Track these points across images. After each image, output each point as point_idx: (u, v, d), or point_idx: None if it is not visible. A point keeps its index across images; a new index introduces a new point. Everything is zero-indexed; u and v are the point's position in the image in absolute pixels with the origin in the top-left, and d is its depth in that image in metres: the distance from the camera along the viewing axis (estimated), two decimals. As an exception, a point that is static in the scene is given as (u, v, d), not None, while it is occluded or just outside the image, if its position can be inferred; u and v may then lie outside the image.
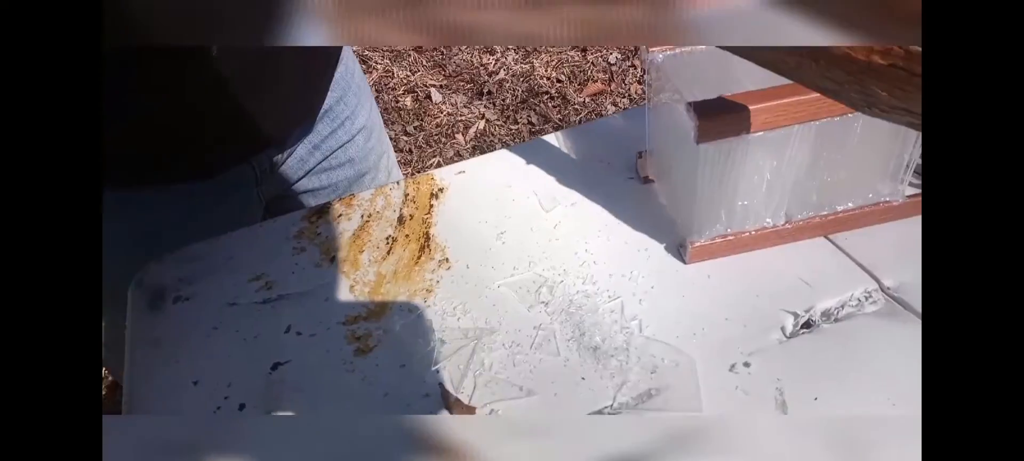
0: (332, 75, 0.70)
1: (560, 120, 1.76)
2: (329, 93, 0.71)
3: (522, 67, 1.98)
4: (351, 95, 0.74)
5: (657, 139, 0.61)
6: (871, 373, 0.46)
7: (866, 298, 0.50)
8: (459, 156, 1.71)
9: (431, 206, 0.64)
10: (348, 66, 0.73)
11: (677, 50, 0.57)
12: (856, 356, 0.47)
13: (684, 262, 0.55)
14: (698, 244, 0.54)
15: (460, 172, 0.67)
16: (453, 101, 1.90)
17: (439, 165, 1.69)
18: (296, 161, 0.71)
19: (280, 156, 0.69)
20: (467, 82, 1.97)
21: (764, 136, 0.49)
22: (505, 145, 1.72)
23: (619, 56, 1.98)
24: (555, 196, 0.63)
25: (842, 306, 0.50)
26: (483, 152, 1.72)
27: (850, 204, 0.54)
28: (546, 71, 1.95)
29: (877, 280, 0.51)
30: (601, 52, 2.01)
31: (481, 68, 2.01)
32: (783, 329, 0.49)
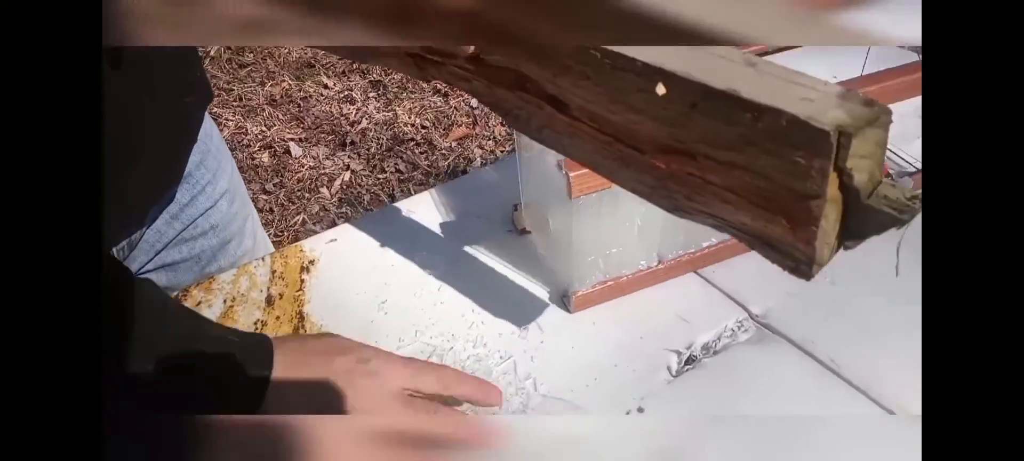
0: (195, 140, 0.65)
1: (429, 166, 1.75)
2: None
3: (384, 115, 1.96)
4: (211, 158, 0.68)
5: (530, 192, 0.62)
6: (754, 401, 0.48)
7: (738, 328, 0.53)
8: (325, 211, 1.65)
9: (302, 281, 0.60)
10: (206, 127, 0.67)
11: (542, 105, 0.58)
12: (738, 386, 0.49)
13: (569, 312, 0.56)
14: (581, 293, 0.55)
15: (331, 240, 0.64)
16: (314, 154, 1.84)
17: (304, 222, 1.62)
18: (153, 234, 0.64)
19: (138, 233, 0.62)
20: (328, 133, 1.92)
21: (632, 185, 0.51)
22: (374, 196, 1.68)
23: (480, 98, 2.02)
24: (436, 257, 0.62)
25: (719, 338, 0.52)
26: (351, 206, 1.67)
27: (714, 239, 0.58)
28: (409, 118, 1.94)
29: (745, 309, 0.54)
30: (464, 97, 2.04)
31: (342, 118, 1.96)
32: (669, 368, 0.51)
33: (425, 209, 0.67)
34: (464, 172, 1.73)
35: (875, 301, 0.53)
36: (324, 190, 1.71)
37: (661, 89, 0.29)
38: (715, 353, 0.52)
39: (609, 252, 0.55)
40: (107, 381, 0.40)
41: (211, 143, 0.68)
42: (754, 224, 0.29)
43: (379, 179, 1.74)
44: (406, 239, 0.63)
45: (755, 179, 0.28)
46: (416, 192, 1.68)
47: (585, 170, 0.48)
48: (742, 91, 0.28)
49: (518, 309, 0.56)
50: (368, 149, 1.83)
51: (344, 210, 1.64)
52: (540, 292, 0.58)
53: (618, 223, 0.53)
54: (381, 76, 2.13)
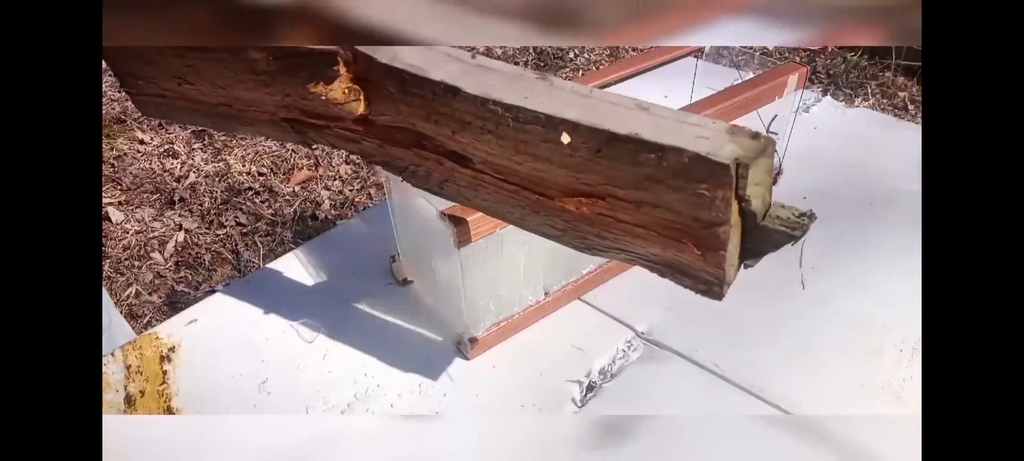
0: None
1: (273, 214, 1.64)
2: None
3: (215, 166, 1.81)
4: None
5: (407, 241, 0.60)
6: (657, 418, 0.50)
7: (628, 348, 0.55)
8: (161, 278, 1.49)
9: (165, 373, 0.54)
10: None
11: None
12: (636, 406, 0.51)
13: (466, 359, 0.55)
14: (477, 338, 0.54)
15: (191, 321, 0.58)
16: (138, 217, 1.65)
17: (138, 294, 1.45)
18: None
19: None
20: (151, 192, 1.74)
21: (513, 227, 0.51)
22: (216, 255, 1.55)
23: (320, 138, 1.94)
24: (315, 322, 0.58)
25: (613, 361, 0.54)
26: (191, 268, 1.52)
27: (592, 266, 0.60)
28: (244, 166, 1.82)
29: (631, 328, 0.57)
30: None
31: (165, 174, 1.79)
32: (574, 400, 0.51)
33: (293, 271, 0.63)
34: (313, 217, 1.65)
35: (745, 307, 0.58)
36: (156, 254, 1.55)
37: (566, 138, 0.30)
38: (612, 376, 0.53)
39: (499, 293, 0.55)
40: None
41: None
42: (664, 254, 0.31)
43: (218, 235, 1.60)
44: (277, 307, 0.59)
45: (663, 213, 0.30)
46: (265, 244, 1.57)
47: (471, 218, 0.48)
48: (644, 134, 0.30)
49: (414, 364, 0.54)
50: (201, 204, 1.69)
51: (183, 274, 1.49)
52: (433, 342, 0.56)
53: (504, 263, 0.53)
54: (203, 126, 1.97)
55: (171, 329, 0.57)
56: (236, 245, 1.58)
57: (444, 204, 0.49)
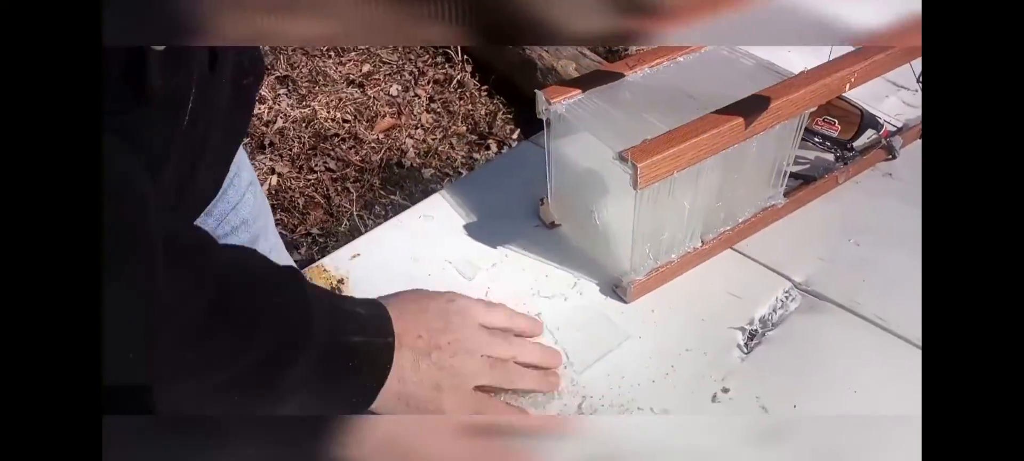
0: (250, 122, 0.60)
1: (360, 161, 1.68)
2: None
3: (301, 112, 1.85)
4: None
5: (560, 184, 0.61)
6: (822, 369, 0.50)
7: (788, 298, 0.55)
8: (256, 220, 1.54)
9: (336, 303, 0.56)
10: None
11: (574, 96, 0.57)
12: (804, 355, 0.51)
13: (625, 302, 0.55)
14: (637, 282, 0.55)
15: (355, 256, 0.60)
16: (231, 159, 1.71)
17: (237, 234, 1.51)
18: None
19: None
20: (242, 136, 1.79)
21: (686, 172, 0.51)
22: (309, 198, 1.59)
23: (399, 87, 1.96)
24: (471, 260, 0.59)
25: (774, 311, 0.54)
26: (285, 211, 1.57)
27: (747, 213, 0.60)
28: (329, 112, 1.85)
29: (789, 279, 0.57)
30: (381, 86, 1.96)
31: (254, 119, 1.84)
32: (739, 346, 0.52)
33: (441, 212, 0.65)
34: (400, 164, 1.68)
35: (899, 257, 0.57)
36: (251, 197, 1.60)
37: None
38: (774, 325, 0.53)
39: (660, 238, 0.55)
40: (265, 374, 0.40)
41: None
42: None
43: (309, 180, 1.64)
44: (434, 246, 0.61)
45: None
46: (355, 190, 1.61)
47: (650, 160, 0.48)
48: None
49: (572, 305, 0.55)
50: (290, 149, 1.73)
51: (279, 216, 1.54)
52: (589, 285, 0.57)
53: (671, 209, 0.54)
54: (288, 71, 2.01)
55: (337, 262, 0.59)
56: (327, 190, 1.62)
57: (620, 145, 0.49)
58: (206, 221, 0.61)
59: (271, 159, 1.71)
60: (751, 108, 0.52)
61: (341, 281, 0.58)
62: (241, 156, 0.66)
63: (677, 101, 0.56)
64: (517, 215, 0.64)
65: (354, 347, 0.44)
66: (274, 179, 1.64)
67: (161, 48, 0.38)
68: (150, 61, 0.37)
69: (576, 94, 0.57)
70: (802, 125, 0.57)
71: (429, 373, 0.46)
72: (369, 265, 0.59)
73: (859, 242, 0.59)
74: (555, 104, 0.56)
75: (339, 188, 1.62)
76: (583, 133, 0.54)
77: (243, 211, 0.65)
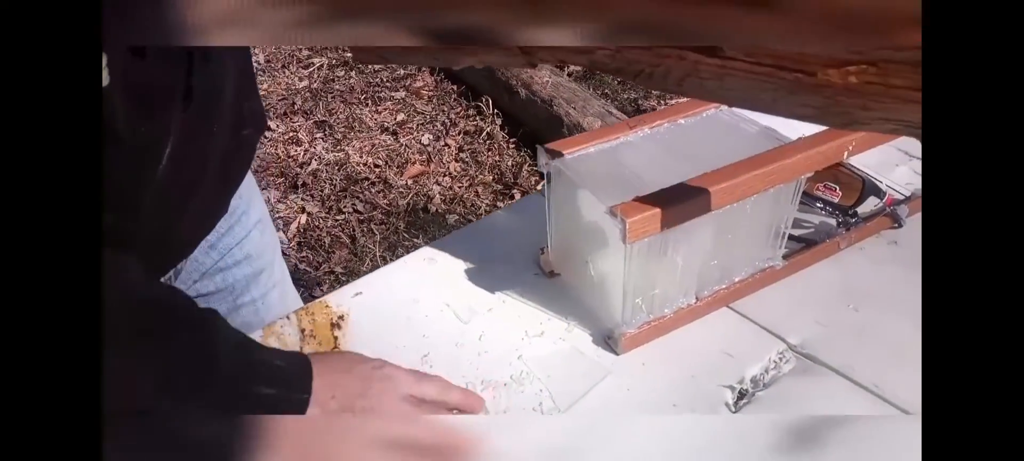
0: (247, 172, 0.63)
1: (387, 205, 1.72)
2: None
3: (335, 155, 1.92)
4: (246, 187, 0.66)
5: (560, 235, 0.62)
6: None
7: (782, 359, 0.55)
8: (285, 255, 1.59)
9: (335, 338, 0.58)
10: None
11: (575, 151, 0.59)
12: (795, 415, 0.51)
13: (616, 354, 0.56)
14: (628, 334, 0.55)
15: (357, 294, 0.62)
16: (265, 198, 1.77)
17: (263, 270, 1.55)
18: (192, 264, 0.62)
19: (182, 263, 0.60)
20: (277, 176, 1.86)
21: (678, 228, 0.52)
22: (336, 238, 1.64)
23: (431, 136, 2.01)
24: (470, 305, 0.61)
25: (766, 372, 0.54)
26: (312, 249, 1.61)
27: (744, 274, 0.60)
28: (361, 157, 1.91)
29: (784, 340, 0.57)
30: (412, 134, 2.02)
31: (290, 160, 1.91)
32: (727, 405, 0.52)
33: (445, 256, 0.66)
34: (425, 210, 1.71)
35: (900, 324, 0.57)
36: (281, 234, 1.65)
37: None
38: (765, 386, 0.53)
39: (653, 293, 0.56)
40: (157, 403, 0.40)
41: (247, 174, 0.66)
42: None
43: (337, 220, 1.69)
44: (436, 288, 0.62)
45: None
46: (379, 231, 1.65)
47: (639, 216, 0.49)
48: None
49: (564, 354, 0.56)
50: (322, 190, 1.79)
51: (305, 254, 1.58)
52: (583, 335, 0.58)
53: (663, 264, 0.55)
54: (326, 117, 2.09)
55: (339, 299, 0.61)
56: (353, 231, 1.66)
57: (613, 200, 0.51)
58: (210, 254, 0.64)
59: (302, 199, 1.76)
60: (744, 171, 0.53)
61: (342, 317, 0.60)
62: (254, 196, 0.70)
63: (674, 161, 0.58)
64: (518, 263, 0.65)
65: (262, 398, 0.44)
66: (304, 218, 1.69)
67: (121, 90, 0.40)
68: (114, 105, 0.40)
69: (577, 150, 0.59)
70: (799, 190, 0.58)
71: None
72: (370, 303, 0.61)
73: (858, 308, 0.59)
74: (555, 159, 0.58)
75: (365, 230, 1.66)
76: (581, 188, 0.56)
77: (248, 246, 0.67)
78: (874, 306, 0.59)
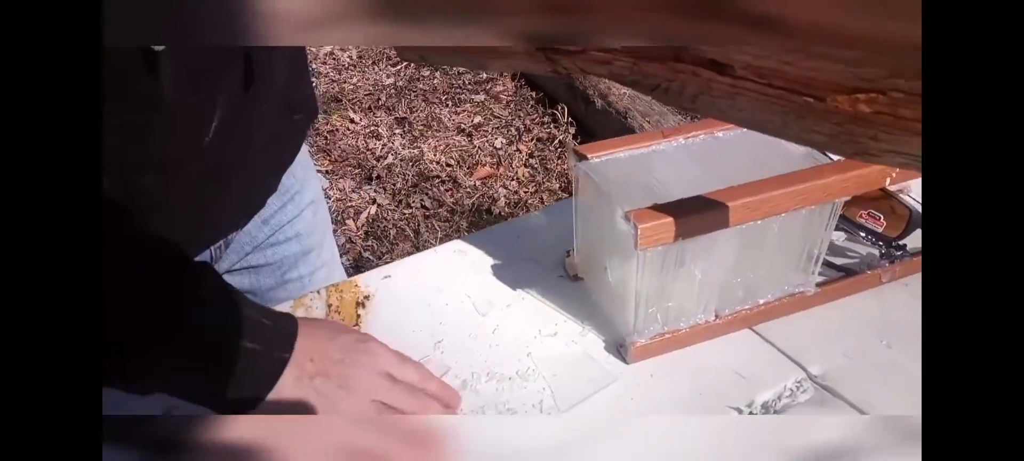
0: (297, 154, 0.68)
1: (453, 203, 1.77)
2: None
3: (410, 151, 1.98)
4: (300, 168, 0.71)
5: (585, 239, 0.62)
6: (812, 462, 0.48)
7: (797, 388, 0.53)
8: (351, 243, 1.66)
9: (358, 316, 0.61)
10: None
11: (603, 155, 0.59)
12: (798, 447, 0.49)
13: (626, 362, 0.56)
14: (639, 344, 0.55)
15: (386, 277, 0.65)
16: (341, 186, 1.86)
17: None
18: (244, 237, 0.67)
19: (234, 234, 0.65)
20: (354, 167, 1.94)
21: (696, 240, 0.51)
22: (400, 230, 1.69)
23: (504, 141, 2.04)
24: (490, 299, 0.62)
25: (779, 398, 0.52)
26: (377, 239, 1.68)
27: (770, 296, 0.58)
28: (435, 155, 1.97)
29: (804, 369, 0.54)
30: (486, 136, 2.06)
31: (368, 153, 1.99)
32: (730, 426, 0.50)
33: (477, 251, 0.68)
34: (489, 211, 1.74)
35: (934, 367, 0.53)
36: (350, 222, 1.72)
37: None
38: (775, 412, 0.51)
39: (668, 305, 0.55)
40: (134, 351, 0.42)
41: (301, 156, 0.71)
42: None
43: (404, 214, 1.75)
44: (460, 279, 0.64)
45: None
46: (441, 229, 1.69)
47: (652, 223, 0.49)
48: None
49: (574, 357, 0.56)
50: (394, 184, 1.85)
51: (370, 243, 1.65)
52: (595, 340, 0.58)
53: (680, 277, 0.54)
54: (406, 114, 2.16)
55: (369, 280, 0.64)
56: (418, 225, 1.71)
57: (629, 205, 0.51)
58: (262, 229, 0.68)
59: (375, 190, 1.83)
60: (771, 188, 0.51)
61: (367, 297, 0.62)
62: (309, 177, 0.74)
63: (706, 174, 0.57)
64: (546, 263, 0.66)
65: (245, 352, 0.45)
66: (373, 208, 1.76)
67: (173, 61, 0.43)
68: (163, 72, 0.43)
69: (606, 154, 0.59)
70: (835, 214, 0.56)
71: (305, 396, 0.46)
72: (396, 287, 0.63)
73: (892, 345, 0.56)
74: (583, 161, 0.58)
75: (429, 225, 1.70)
76: (604, 192, 0.56)
77: (299, 225, 0.72)
78: (909, 345, 0.56)
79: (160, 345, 0.43)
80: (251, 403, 0.45)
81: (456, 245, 0.69)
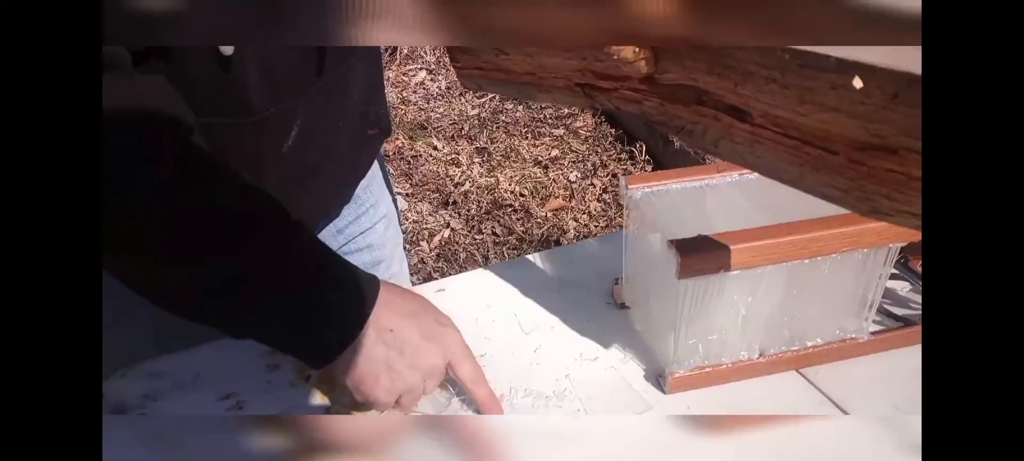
0: (369, 168, 0.73)
1: (523, 232, 1.80)
2: None
3: (487, 180, 2.03)
4: (376, 184, 0.76)
5: (633, 268, 0.63)
6: None
7: (840, 435, 0.51)
8: (423, 264, 1.72)
9: (410, 325, 0.64)
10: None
11: (654, 186, 0.60)
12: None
13: (664, 392, 0.56)
14: (677, 375, 0.55)
15: (440, 290, 0.68)
16: (419, 209, 1.93)
17: (402, 273, 1.69)
18: None
19: None
20: (433, 191, 2.01)
21: (740, 274, 0.51)
22: (470, 255, 1.74)
23: (578, 174, 2.06)
24: (536, 319, 0.64)
25: (818, 442, 0.51)
26: (448, 261, 1.73)
27: (819, 340, 0.57)
28: (510, 185, 2.01)
29: (847, 415, 0.53)
30: (562, 169, 2.09)
31: (447, 179, 2.06)
32: (763, 465, 0.50)
33: (529, 272, 0.70)
34: (557, 243, 1.76)
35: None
36: (424, 244, 1.79)
37: (858, 83, 0.27)
38: (814, 456, 0.50)
39: (710, 338, 0.55)
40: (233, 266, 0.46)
41: (376, 173, 0.76)
42: None
43: (476, 239, 1.79)
44: (510, 298, 0.66)
45: None
46: (510, 256, 1.72)
47: (694, 253, 0.50)
48: None
49: (610, 382, 0.57)
50: (468, 210, 1.90)
51: (440, 265, 1.70)
52: (636, 368, 0.58)
53: (722, 310, 0.54)
54: (487, 144, 2.22)
55: (424, 291, 0.67)
56: (488, 251, 1.75)
57: (675, 235, 0.51)
58: (336, 238, 0.73)
59: (450, 215, 1.89)
60: (821, 228, 0.51)
61: (420, 308, 0.65)
62: (384, 193, 0.79)
63: (756, 211, 0.57)
64: (594, 290, 0.67)
65: (326, 304, 0.48)
66: (447, 232, 1.81)
67: (257, 73, 0.47)
68: (249, 83, 0.47)
69: (657, 185, 0.60)
70: (890, 260, 0.54)
71: (379, 361, 0.49)
72: (448, 301, 0.66)
73: (949, 402, 0.53)
74: (632, 190, 0.59)
75: (498, 252, 1.74)
76: (651, 222, 0.57)
77: (371, 237, 0.76)
78: (970, 403, 0.53)
79: (253, 292, 0.47)
80: (331, 353, 0.48)
81: (510, 266, 0.71)
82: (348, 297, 0.49)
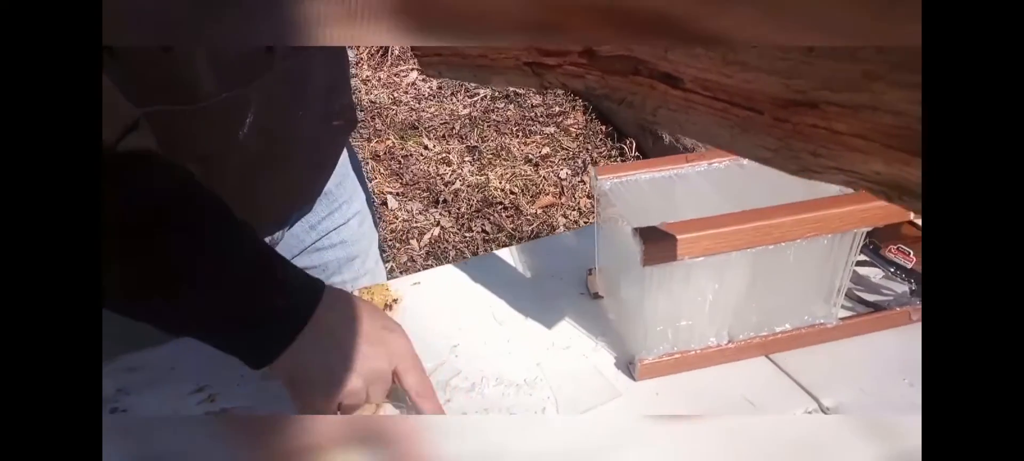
0: (337, 160, 0.73)
1: (513, 230, 1.80)
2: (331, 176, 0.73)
3: (477, 178, 2.04)
4: (350, 181, 0.76)
5: (605, 258, 0.64)
6: None
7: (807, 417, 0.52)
8: (412, 261, 1.72)
9: (385, 317, 0.64)
10: (348, 153, 0.76)
11: (623, 177, 0.61)
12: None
13: (634, 379, 0.56)
14: (647, 362, 0.56)
15: (415, 283, 0.68)
16: (409, 208, 1.93)
17: (392, 271, 1.69)
18: (293, 239, 0.72)
19: (279, 233, 0.70)
20: (423, 190, 2.01)
21: (705, 261, 0.52)
22: (459, 252, 1.74)
23: (569, 172, 2.07)
24: (509, 310, 0.64)
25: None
26: (437, 259, 1.73)
27: (788, 325, 0.57)
28: (500, 183, 2.01)
29: (816, 399, 0.53)
30: (552, 167, 2.09)
31: (437, 178, 2.06)
32: (728, 448, 0.50)
33: (506, 265, 0.70)
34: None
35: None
36: (414, 242, 1.79)
37: None
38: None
39: (679, 324, 0.55)
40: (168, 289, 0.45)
41: (350, 169, 0.76)
42: (889, 170, 0.26)
43: (466, 237, 1.80)
44: (484, 290, 0.67)
45: (884, 117, 0.25)
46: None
47: (657, 240, 0.50)
48: None
49: (581, 370, 0.57)
50: (459, 208, 1.91)
51: (430, 263, 1.70)
52: (607, 357, 0.59)
53: (689, 297, 0.54)
54: (477, 143, 2.23)
55: (400, 285, 0.68)
56: (478, 249, 1.75)
57: (639, 222, 0.52)
58: (309, 233, 0.73)
59: (440, 214, 1.89)
60: (783, 214, 0.51)
61: (395, 300, 0.66)
62: (357, 189, 0.79)
63: (725, 200, 0.57)
64: (569, 281, 0.68)
65: (267, 305, 0.47)
66: (437, 230, 1.82)
67: (207, 59, 0.46)
68: (200, 67, 0.47)
69: (626, 175, 0.61)
70: (856, 246, 0.55)
71: (317, 365, 0.47)
72: (423, 293, 0.67)
73: (914, 384, 0.54)
74: (602, 181, 0.60)
75: (487, 249, 1.74)
76: (619, 212, 0.58)
77: (345, 233, 0.76)
78: (935, 385, 0.53)
79: (191, 289, 0.46)
80: (269, 356, 0.47)
81: (485, 258, 0.72)
82: (289, 298, 0.48)
